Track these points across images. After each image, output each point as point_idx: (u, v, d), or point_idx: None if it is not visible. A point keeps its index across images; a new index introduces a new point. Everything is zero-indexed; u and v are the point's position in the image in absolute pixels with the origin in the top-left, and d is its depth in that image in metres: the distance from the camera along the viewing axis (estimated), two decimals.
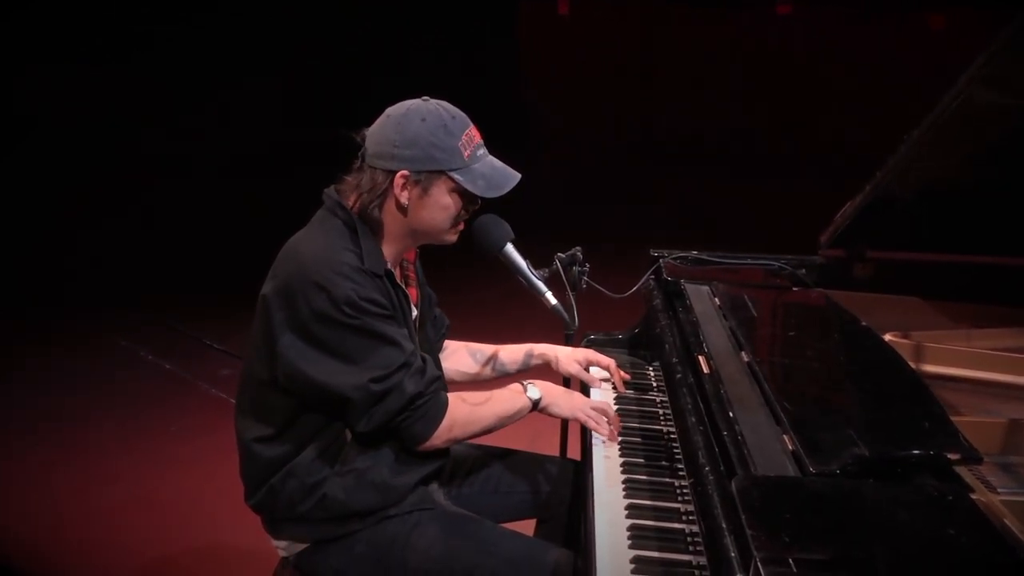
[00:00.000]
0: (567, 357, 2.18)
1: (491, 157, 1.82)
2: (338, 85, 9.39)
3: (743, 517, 1.18)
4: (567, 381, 2.22)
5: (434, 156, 1.74)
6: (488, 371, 2.21)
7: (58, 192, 7.57)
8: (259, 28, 9.63)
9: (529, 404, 1.93)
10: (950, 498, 1.24)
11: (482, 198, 1.80)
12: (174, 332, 4.98)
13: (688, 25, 10.61)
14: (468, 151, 1.77)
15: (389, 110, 1.80)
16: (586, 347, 2.57)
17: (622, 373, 2.21)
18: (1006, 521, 1.27)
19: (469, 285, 5.46)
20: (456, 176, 1.76)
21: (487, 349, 2.22)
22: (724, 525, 1.28)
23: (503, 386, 2.00)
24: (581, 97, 10.86)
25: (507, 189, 1.79)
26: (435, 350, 2.06)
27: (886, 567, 1.05)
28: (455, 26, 10.30)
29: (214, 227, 7.06)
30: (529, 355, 2.21)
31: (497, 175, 1.80)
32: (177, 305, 5.34)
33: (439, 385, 1.82)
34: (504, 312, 5.18)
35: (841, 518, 1.18)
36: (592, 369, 2.21)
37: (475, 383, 2.20)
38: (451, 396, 1.84)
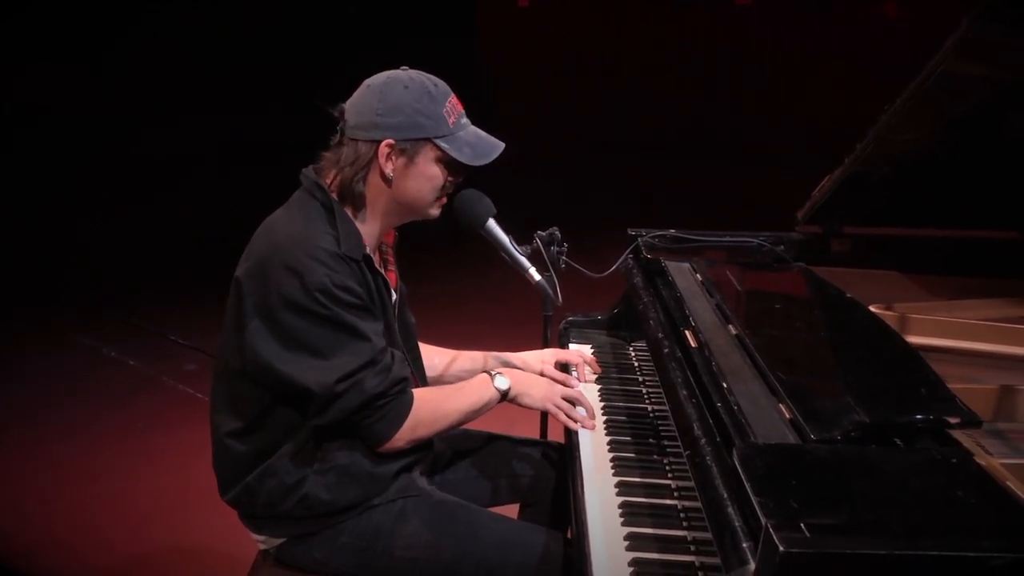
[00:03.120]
0: (538, 363, 2.13)
1: (474, 127, 1.78)
2: (296, 75, 9.30)
3: (748, 486, 1.15)
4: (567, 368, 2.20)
5: (420, 123, 1.69)
6: (449, 376, 2.12)
7: (20, 189, 7.40)
8: (209, 21, 9.52)
9: (497, 395, 1.88)
10: (954, 461, 1.22)
11: (466, 170, 1.75)
12: (136, 328, 4.88)
13: (648, 16, 10.62)
14: (453, 118, 1.72)
15: (368, 80, 1.74)
16: (565, 329, 2.55)
17: (589, 366, 2.20)
18: (1008, 484, 1.26)
19: (446, 276, 5.46)
20: (442, 144, 1.71)
21: (450, 352, 2.16)
22: (726, 495, 1.25)
23: None
24: (542, 89, 10.84)
25: (492, 158, 1.74)
26: (414, 336, 2.00)
27: (901, 530, 1.03)
28: (414, 18, 10.24)
29: (174, 222, 6.93)
30: (498, 363, 2.13)
31: (483, 144, 1.75)
32: (138, 301, 5.24)
33: (404, 386, 1.74)
34: (481, 298, 5.18)
35: (848, 483, 1.16)
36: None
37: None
38: (416, 393, 1.77)
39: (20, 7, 8.52)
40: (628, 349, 2.43)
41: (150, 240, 6.50)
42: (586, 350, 2.39)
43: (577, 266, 2.25)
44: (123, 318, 4.99)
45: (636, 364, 2.32)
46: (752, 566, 1.09)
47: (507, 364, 2.14)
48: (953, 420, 1.33)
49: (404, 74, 1.74)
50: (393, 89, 1.70)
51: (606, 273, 2.39)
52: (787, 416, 1.40)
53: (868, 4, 9.28)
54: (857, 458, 1.22)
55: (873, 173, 2.28)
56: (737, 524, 1.18)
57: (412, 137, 1.69)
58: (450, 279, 5.51)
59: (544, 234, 2.17)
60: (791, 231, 2.53)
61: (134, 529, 3.05)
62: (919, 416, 1.33)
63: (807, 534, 1.01)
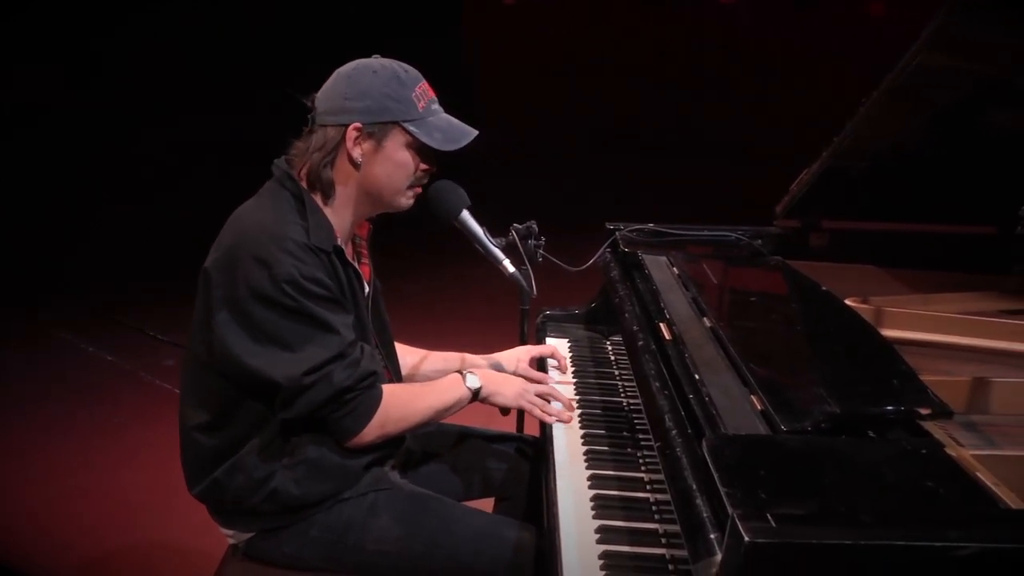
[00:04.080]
0: (513, 361, 2.11)
1: (446, 114, 1.76)
2: (277, 72, 9.24)
3: (716, 476, 1.13)
4: (542, 364, 2.18)
5: (388, 106, 1.67)
6: (420, 375, 2.10)
7: (17, 187, 7.33)
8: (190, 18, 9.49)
9: (468, 394, 1.84)
10: (924, 451, 1.22)
11: (439, 159, 1.73)
12: (117, 324, 4.82)
13: (632, 13, 10.63)
14: (422, 103, 1.70)
15: (339, 69, 1.73)
16: (542, 324, 2.53)
17: (563, 360, 2.19)
18: (979, 475, 1.25)
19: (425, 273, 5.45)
20: (411, 128, 1.69)
21: (421, 352, 2.13)
22: (695, 486, 1.24)
23: None
24: (528, 87, 10.82)
25: (464, 143, 1.72)
26: (388, 330, 1.98)
27: (869, 519, 1.02)
28: (400, 17, 10.21)
29: (171, 221, 6.86)
30: (467, 365, 2.11)
31: (454, 129, 1.73)
32: (125, 299, 5.18)
33: (373, 380, 1.71)
34: (461, 294, 5.16)
35: (817, 473, 1.15)
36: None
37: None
38: (385, 389, 1.75)
39: (20, 7, 8.49)
40: (605, 343, 2.41)
41: (145, 239, 6.43)
42: (563, 344, 2.38)
43: (554, 259, 2.23)
44: (106, 314, 4.93)
45: (613, 358, 2.31)
46: (719, 557, 1.07)
47: (478, 366, 2.12)
48: (924, 411, 1.32)
49: (375, 61, 1.72)
50: (362, 75, 1.69)
51: (584, 267, 2.38)
52: (758, 407, 1.38)
53: (860, 3, 9.30)
54: (827, 449, 1.21)
55: (851, 167, 2.28)
56: (705, 515, 1.17)
57: (380, 120, 1.67)
58: (435, 275, 5.49)
59: (521, 227, 2.16)
60: (770, 225, 2.53)
61: (109, 523, 3.02)
62: (890, 407, 1.32)
63: (773, 524, 1.00)
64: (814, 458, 1.19)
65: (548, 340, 2.40)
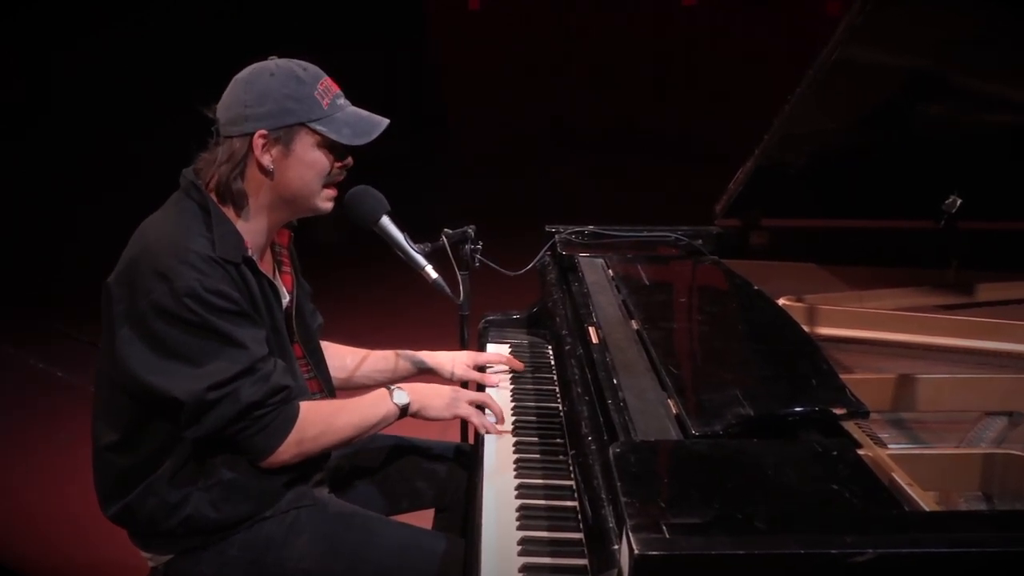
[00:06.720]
0: (455, 363, 2.06)
1: (354, 107, 1.71)
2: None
3: (619, 485, 1.10)
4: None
5: (290, 108, 1.62)
6: (360, 376, 2.05)
7: None
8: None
9: (395, 410, 1.77)
10: (835, 453, 1.18)
11: (351, 151, 1.69)
12: (69, 339, 4.73)
13: (597, 17, 10.63)
14: (326, 100, 1.66)
15: (237, 75, 1.68)
16: (484, 329, 2.49)
17: (513, 361, 2.13)
18: (894, 475, 1.22)
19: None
20: (318, 127, 1.64)
21: (360, 352, 2.07)
22: (604, 496, 1.20)
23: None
24: (495, 91, 10.78)
25: (374, 135, 1.68)
26: (315, 340, 1.93)
27: (765, 525, 0.98)
28: (365, 23, 10.14)
29: (109, 230, 6.75)
30: (411, 362, 2.07)
31: (363, 122, 1.68)
32: (70, 310, 5.07)
33: (286, 396, 1.64)
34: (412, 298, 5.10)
35: (722, 479, 1.11)
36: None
37: (345, 389, 2.03)
38: (302, 406, 1.68)
39: (24, 4, 8.38)
40: (547, 348, 2.37)
41: (98, 252, 6.30)
42: (503, 350, 2.34)
43: (492, 264, 2.19)
44: (57, 328, 4.83)
45: (552, 363, 2.27)
46: (616, 570, 1.04)
47: (419, 363, 2.07)
48: (838, 411, 1.29)
49: (271, 63, 1.68)
50: (259, 78, 1.65)
51: (522, 271, 2.34)
52: (673, 411, 1.35)
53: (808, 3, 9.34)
54: (734, 453, 1.18)
55: (787, 165, 2.26)
56: (610, 525, 1.14)
57: (284, 124, 1.63)
58: (386, 281, 5.43)
59: (454, 232, 2.11)
60: (711, 225, 2.50)
61: (44, 544, 2.99)
62: (802, 408, 1.29)
63: (666, 535, 0.96)
64: (720, 463, 1.15)
65: (489, 346, 2.36)
